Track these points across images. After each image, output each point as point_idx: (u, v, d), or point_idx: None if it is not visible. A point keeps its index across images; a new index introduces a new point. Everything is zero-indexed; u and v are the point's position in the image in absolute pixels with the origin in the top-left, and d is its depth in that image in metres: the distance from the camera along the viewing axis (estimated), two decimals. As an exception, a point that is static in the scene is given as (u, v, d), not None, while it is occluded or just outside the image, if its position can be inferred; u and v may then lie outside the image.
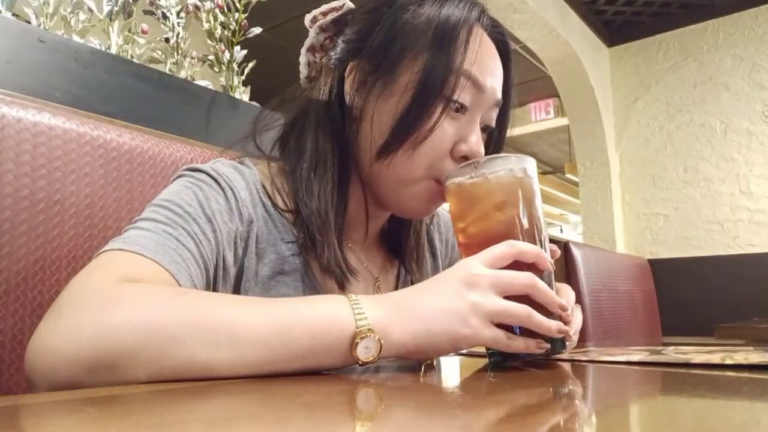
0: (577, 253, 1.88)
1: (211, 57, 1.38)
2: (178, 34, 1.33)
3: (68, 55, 0.94)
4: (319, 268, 0.63)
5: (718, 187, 3.30)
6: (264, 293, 0.61)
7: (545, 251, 0.55)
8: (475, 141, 0.62)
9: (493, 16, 0.65)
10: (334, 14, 0.67)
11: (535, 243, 0.55)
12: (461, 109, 0.61)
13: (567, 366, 0.57)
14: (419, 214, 0.68)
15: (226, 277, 0.59)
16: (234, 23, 1.37)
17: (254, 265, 0.61)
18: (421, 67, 0.59)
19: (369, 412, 0.38)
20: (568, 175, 6.81)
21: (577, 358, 0.61)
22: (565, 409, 0.37)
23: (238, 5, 1.37)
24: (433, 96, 0.59)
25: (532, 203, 0.56)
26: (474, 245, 0.56)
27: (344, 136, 0.64)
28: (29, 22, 1.11)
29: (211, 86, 1.27)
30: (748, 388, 0.43)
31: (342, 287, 0.63)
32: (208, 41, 1.38)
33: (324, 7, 0.67)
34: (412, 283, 0.73)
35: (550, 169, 7.71)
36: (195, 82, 1.26)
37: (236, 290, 0.60)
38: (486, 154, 0.64)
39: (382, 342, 0.46)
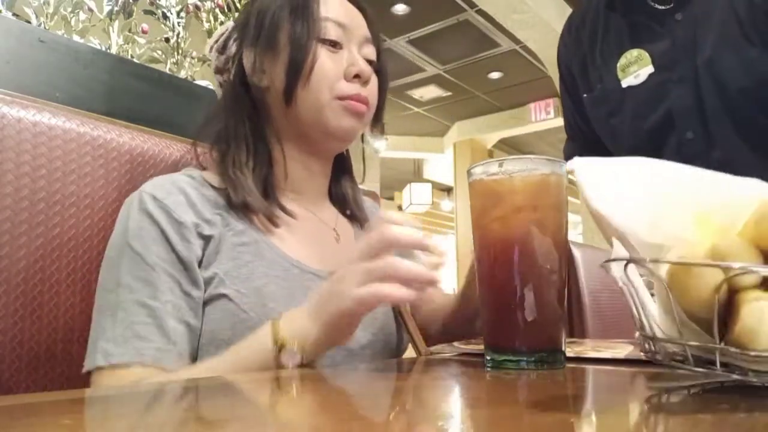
0: (577, 253, 1.88)
1: (211, 57, 1.38)
2: (179, 33, 1.33)
3: (68, 55, 0.94)
4: (259, 222, 0.72)
5: (718, 187, 3.29)
6: (221, 253, 0.68)
7: (562, 266, 0.55)
8: (361, 62, 0.76)
9: None
10: (224, 36, 0.82)
11: (554, 253, 0.54)
12: (335, 44, 0.75)
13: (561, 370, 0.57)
14: (347, 129, 0.77)
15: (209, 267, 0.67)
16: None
17: (221, 247, 0.69)
18: (291, 27, 0.74)
19: (365, 412, 0.38)
20: (568, 175, 6.81)
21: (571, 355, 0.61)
22: (567, 410, 0.37)
23: (238, 5, 1.37)
24: (306, 41, 0.73)
25: (557, 209, 0.54)
26: (489, 245, 0.55)
27: (254, 109, 0.78)
28: (29, 22, 1.11)
29: (211, 86, 1.27)
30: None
31: (275, 225, 0.73)
32: (209, 41, 1.38)
33: (215, 35, 0.83)
34: None
35: (550, 169, 7.69)
36: (195, 82, 1.26)
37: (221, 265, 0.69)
38: (379, 88, 0.80)
39: (297, 344, 0.55)
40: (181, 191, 0.69)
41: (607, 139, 1.17)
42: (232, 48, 0.81)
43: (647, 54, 1.06)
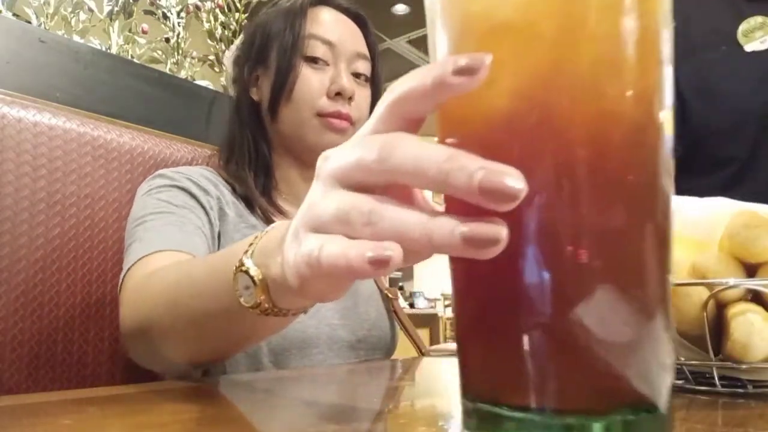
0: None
1: (212, 57, 1.38)
2: (179, 34, 1.33)
3: (68, 55, 0.94)
4: (256, 214, 0.75)
5: (719, 187, 3.30)
6: (233, 240, 0.69)
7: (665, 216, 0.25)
8: (345, 80, 0.76)
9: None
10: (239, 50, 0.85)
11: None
12: (320, 61, 0.76)
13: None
14: (327, 145, 0.75)
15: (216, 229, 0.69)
16: (234, 23, 1.37)
17: (227, 221, 0.71)
18: (278, 43, 0.76)
19: (365, 412, 0.38)
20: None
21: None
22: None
23: (238, 5, 1.37)
24: (289, 57, 0.75)
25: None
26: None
27: (254, 121, 0.81)
28: (30, 22, 1.11)
29: (211, 86, 1.27)
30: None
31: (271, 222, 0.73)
32: (209, 41, 1.38)
33: (232, 48, 0.89)
34: None
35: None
36: (195, 82, 1.26)
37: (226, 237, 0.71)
38: (371, 98, 0.81)
39: (260, 277, 0.35)
40: (202, 175, 0.73)
41: (704, 104, 1.14)
42: (239, 60, 0.84)
43: None
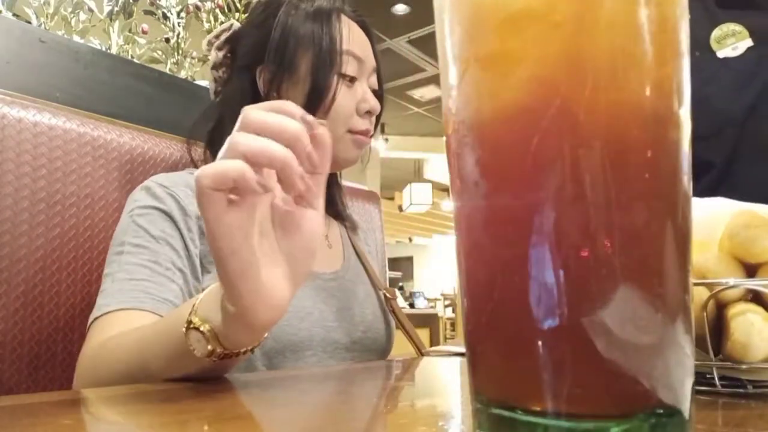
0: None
1: (212, 57, 1.38)
2: (179, 34, 1.33)
3: (68, 55, 0.94)
4: None
5: (719, 187, 3.30)
6: None
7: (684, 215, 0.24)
8: (372, 99, 0.78)
9: (349, 5, 0.82)
10: (226, 34, 0.83)
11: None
12: (353, 79, 0.77)
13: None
14: (352, 160, 0.80)
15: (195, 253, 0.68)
16: (247, 21, 1.37)
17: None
18: (314, 55, 0.74)
19: (365, 412, 0.38)
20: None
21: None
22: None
23: (238, 5, 1.37)
24: (328, 74, 0.74)
25: None
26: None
27: None
28: (30, 22, 1.11)
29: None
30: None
31: None
32: (207, 36, 1.38)
33: (216, 31, 0.83)
34: (353, 244, 0.89)
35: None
36: (195, 82, 1.26)
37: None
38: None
39: (208, 329, 0.43)
40: (188, 185, 0.71)
41: (699, 107, 1.17)
42: (244, 57, 0.80)
43: (745, 29, 1.07)
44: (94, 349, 0.56)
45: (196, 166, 0.79)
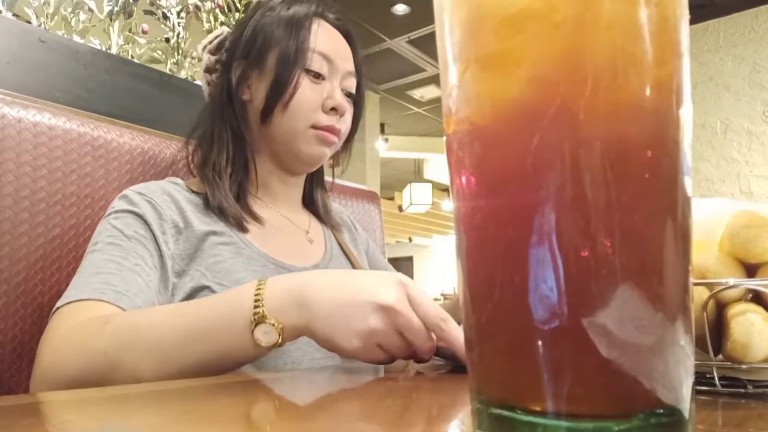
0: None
1: (212, 57, 1.38)
2: (179, 34, 1.33)
3: (68, 55, 0.94)
4: (235, 224, 0.75)
5: (719, 187, 3.30)
6: (202, 251, 0.71)
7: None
8: (339, 96, 0.80)
9: (334, 12, 0.85)
10: (217, 40, 0.86)
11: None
12: (319, 76, 0.79)
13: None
14: (316, 156, 0.81)
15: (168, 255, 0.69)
16: (234, 23, 1.37)
17: (187, 236, 0.71)
18: (280, 51, 0.77)
19: (365, 413, 0.38)
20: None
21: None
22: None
23: (238, 5, 1.37)
24: (291, 68, 0.76)
25: None
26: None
27: (235, 118, 0.81)
28: (30, 22, 1.11)
29: (211, 86, 1.26)
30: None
31: (244, 230, 0.75)
32: (202, 41, 1.38)
33: (209, 37, 0.86)
34: (336, 240, 0.91)
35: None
36: (195, 82, 1.26)
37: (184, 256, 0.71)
38: (353, 118, 0.84)
39: (280, 326, 0.51)
40: (165, 192, 0.73)
41: None
42: (223, 53, 0.84)
43: None
44: (63, 335, 0.56)
45: (192, 173, 0.81)
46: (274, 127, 0.79)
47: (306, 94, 0.77)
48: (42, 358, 0.56)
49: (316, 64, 0.78)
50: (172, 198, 0.73)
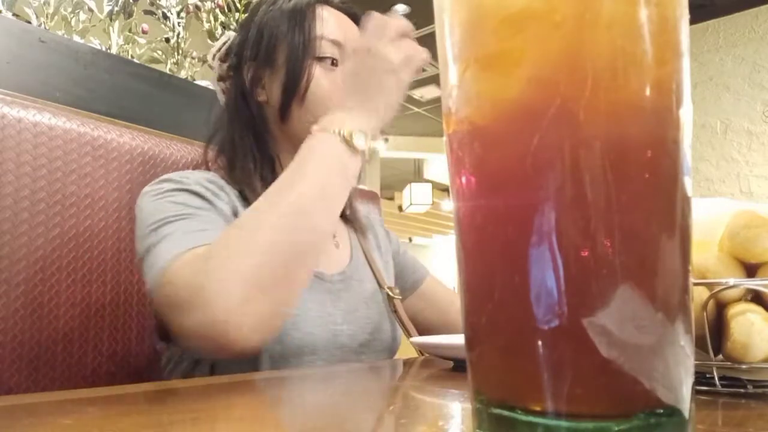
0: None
1: (212, 57, 1.38)
2: (179, 34, 1.33)
3: (68, 55, 0.94)
4: None
5: (719, 187, 3.30)
6: None
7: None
8: None
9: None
10: (225, 46, 0.85)
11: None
12: (334, 62, 0.77)
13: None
14: None
15: None
16: (234, 23, 1.37)
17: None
18: (288, 45, 0.76)
19: (365, 411, 0.38)
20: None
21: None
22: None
23: (238, 5, 1.37)
24: (302, 60, 0.75)
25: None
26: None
27: (254, 121, 0.80)
28: (30, 22, 1.11)
29: (211, 86, 1.26)
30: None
31: None
32: (209, 41, 1.38)
33: (217, 44, 0.86)
34: (361, 245, 0.88)
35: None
36: (195, 82, 1.26)
37: None
38: None
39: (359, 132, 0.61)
40: (208, 179, 0.72)
41: None
42: (232, 58, 0.82)
43: None
44: (208, 261, 0.54)
45: (209, 170, 0.79)
46: (294, 124, 0.77)
47: (321, 84, 0.75)
48: (208, 288, 0.52)
49: (327, 50, 0.77)
50: (216, 185, 0.72)
